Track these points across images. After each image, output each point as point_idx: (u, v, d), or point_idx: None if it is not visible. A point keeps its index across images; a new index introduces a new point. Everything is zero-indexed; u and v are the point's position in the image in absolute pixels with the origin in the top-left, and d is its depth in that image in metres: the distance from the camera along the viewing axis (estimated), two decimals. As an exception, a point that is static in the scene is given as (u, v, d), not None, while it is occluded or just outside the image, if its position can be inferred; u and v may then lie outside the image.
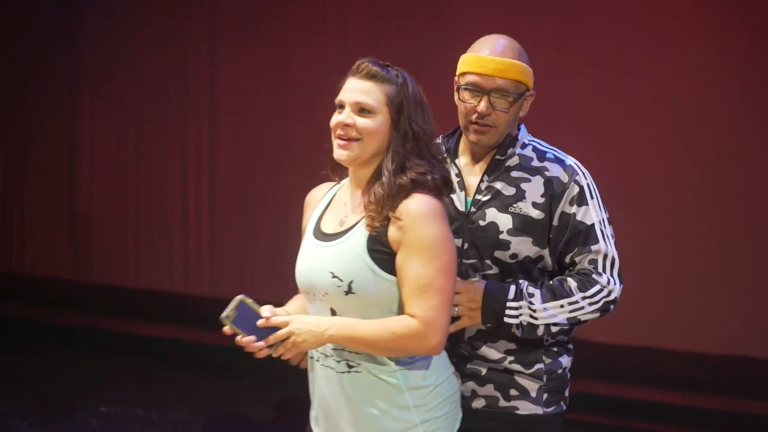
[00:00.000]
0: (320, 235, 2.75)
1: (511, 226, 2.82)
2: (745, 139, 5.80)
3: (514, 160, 2.89)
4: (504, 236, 2.82)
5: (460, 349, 2.86)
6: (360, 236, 2.62)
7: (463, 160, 2.96)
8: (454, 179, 2.89)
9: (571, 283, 2.79)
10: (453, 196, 2.87)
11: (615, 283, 2.83)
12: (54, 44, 8.15)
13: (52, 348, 7.52)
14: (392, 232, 2.58)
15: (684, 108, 5.90)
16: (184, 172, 7.69)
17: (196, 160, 7.64)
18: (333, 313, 2.65)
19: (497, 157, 2.88)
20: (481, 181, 2.88)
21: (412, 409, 2.64)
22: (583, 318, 2.81)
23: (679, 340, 5.98)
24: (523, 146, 2.92)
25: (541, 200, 2.83)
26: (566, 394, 2.97)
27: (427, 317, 2.53)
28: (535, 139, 2.98)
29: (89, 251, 8.17)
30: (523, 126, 2.99)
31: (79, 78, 8.12)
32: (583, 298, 2.78)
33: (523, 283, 2.78)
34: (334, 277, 2.61)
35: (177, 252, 7.75)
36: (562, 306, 2.77)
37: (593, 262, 2.81)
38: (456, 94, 2.90)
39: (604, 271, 2.82)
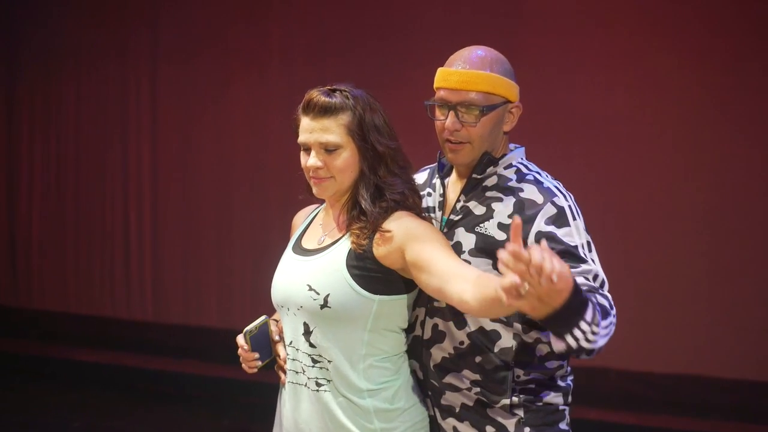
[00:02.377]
0: (300, 250, 2.79)
1: (472, 246, 2.70)
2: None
3: (492, 180, 2.76)
4: (465, 256, 2.69)
5: (430, 378, 2.77)
6: (340, 252, 2.66)
7: (451, 178, 2.87)
8: (437, 199, 2.84)
9: (602, 299, 2.47)
10: (432, 215, 2.83)
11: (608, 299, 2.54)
12: (-9, 66, 8.06)
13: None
14: (381, 248, 2.61)
15: (680, 129, 5.94)
16: (125, 196, 7.62)
17: (137, 184, 7.58)
18: (306, 328, 2.67)
19: (474, 176, 2.76)
20: (458, 200, 2.78)
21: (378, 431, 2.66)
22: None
23: (631, 360, 5.98)
24: (508, 167, 2.78)
25: (507, 221, 2.66)
26: (563, 426, 2.79)
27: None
28: (527, 162, 2.84)
29: (29, 277, 8.07)
30: (520, 149, 2.86)
31: (18, 101, 8.04)
32: (614, 315, 2.47)
33: (595, 299, 2.40)
34: (310, 289, 2.64)
35: (119, 277, 7.67)
36: (605, 327, 2.41)
37: (587, 280, 2.54)
38: (428, 112, 2.80)
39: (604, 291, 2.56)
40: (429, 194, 2.89)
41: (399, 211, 2.65)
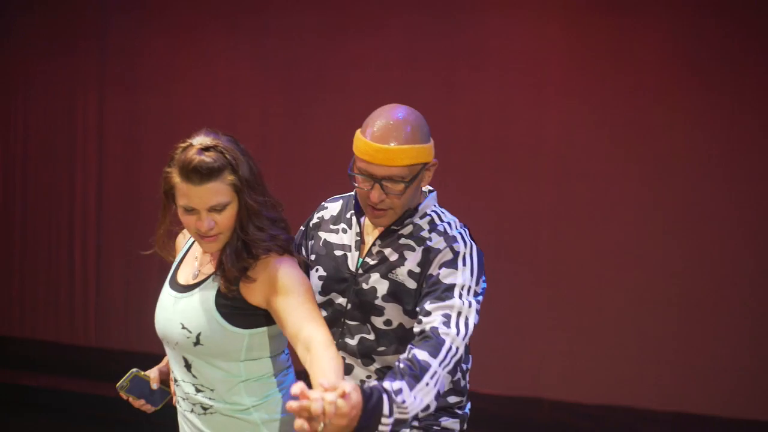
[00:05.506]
0: (175, 285, 2.81)
1: (386, 292, 2.77)
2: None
3: (407, 229, 2.82)
4: (379, 301, 2.78)
5: None
6: (210, 291, 2.69)
7: (367, 218, 2.90)
8: (354, 238, 2.89)
9: (422, 353, 2.54)
10: (348, 254, 2.88)
11: (464, 336, 2.62)
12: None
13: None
14: (248, 292, 2.65)
15: (609, 163, 6.00)
16: (70, 221, 7.59)
17: (83, 208, 7.54)
18: (186, 361, 2.73)
19: (392, 227, 2.83)
20: (374, 244, 2.84)
21: None
22: (442, 388, 2.58)
23: (564, 390, 6.08)
24: (423, 216, 2.84)
25: (417, 269, 2.75)
26: None
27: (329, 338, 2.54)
28: (439, 209, 2.90)
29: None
30: (432, 194, 2.92)
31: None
32: (439, 364, 2.54)
33: (389, 386, 2.44)
34: (183, 328, 2.68)
35: (62, 302, 7.63)
36: (427, 384, 2.50)
37: (447, 316, 2.62)
38: (350, 179, 2.80)
39: (456, 325, 2.61)
40: (344, 230, 2.93)
41: (267, 257, 2.65)
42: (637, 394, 5.94)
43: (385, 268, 2.80)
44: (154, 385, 2.89)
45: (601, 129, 5.99)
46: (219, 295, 2.67)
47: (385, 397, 2.40)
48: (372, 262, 2.83)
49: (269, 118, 6.80)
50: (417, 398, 2.48)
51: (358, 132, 2.78)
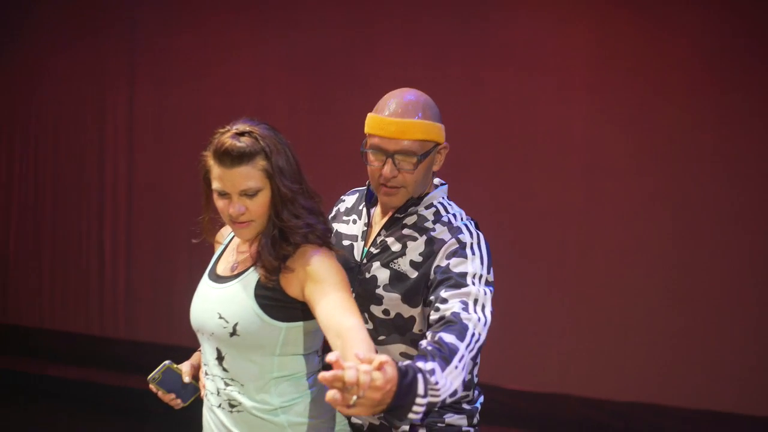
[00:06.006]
0: (214, 276, 2.82)
1: (386, 282, 2.78)
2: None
3: (411, 219, 2.84)
4: (379, 291, 2.79)
5: None
6: (249, 282, 2.69)
7: (377, 209, 2.94)
8: (362, 229, 2.91)
9: (449, 336, 2.49)
10: (354, 244, 2.91)
11: (486, 322, 2.58)
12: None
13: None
14: (287, 281, 2.64)
15: (639, 161, 5.96)
16: (101, 215, 7.64)
17: (113, 203, 7.60)
18: (219, 353, 2.72)
19: (396, 215, 2.85)
20: (378, 234, 2.86)
21: None
22: (466, 375, 2.50)
23: (591, 387, 6.06)
24: (429, 207, 2.86)
25: (418, 259, 2.76)
26: None
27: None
28: (446, 202, 2.90)
29: (4, 292, 8.06)
30: (443, 187, 2.94)
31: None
32: (466, 347, 2.49)
33: (422, 365, 2.36)
34: (220, 318, 2.67)
35: (93, 294, 7.68)
36: (456, 367, 2.44)
37: (464, 303, 2.58)
38: (362, 157, 2.83)
39: (475, 312, 2.57)
40: (354, 221, 2.97)
41: (305, 246, 2.66)
42: (665, 391, 5.91)
43: (387, 257, 2.81)
44: (186, 379, 2.88)
45: (627, 126, 5.96)
46: (259, 285, 2.66)
47: (420, 376, 2.29)
48: (375, 251, 2.84)
49: (296, 113, 6.82)
50: (448, 381, 2.40)
51: (369, 114, 2.81)
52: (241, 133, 2.64)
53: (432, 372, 2.35)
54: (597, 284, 6.03)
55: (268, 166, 2.63)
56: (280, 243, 2.66)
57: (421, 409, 2.29)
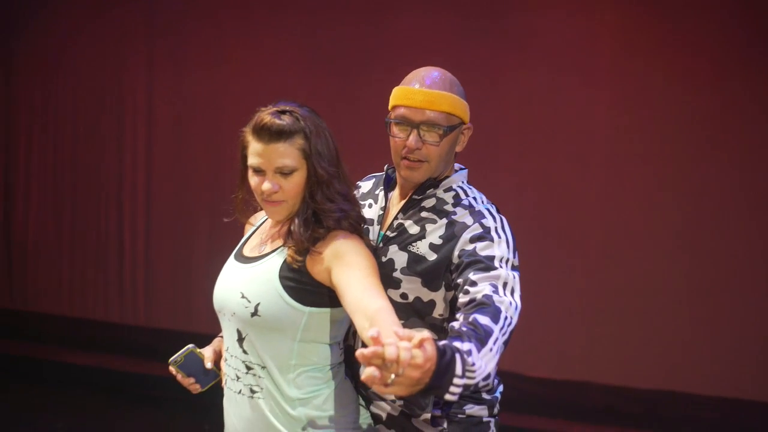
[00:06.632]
0: (240, 257, 2.82)
1: (404, 265, 2.74)
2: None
3: (430, 201, 2.80)
4: (397, 274, 2.74)
5: (359, 387, 2.83)
6: (275, 262, 2.68)
7: (394, 193, 2.91)
8: (377, 213, 2.88)
9: (483, 318, 2.44)
10: (370, 228, 2.87)
11: (517, 307, 2.53)
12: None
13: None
14: (313, 265, 2.63)
15: (661, 147, 5.94)
16: (119, 201, 7.64)
17: (132, 190, 7.59)
18: (239, 334, 2.70)
19: (414, 196, 2.81)
20: (395, 218, 2.83)
21: None
22: (498, 359, 2.44)
23: (614, 374, 6.02)
24: (448, 190, 2.83)
25: (438, 242, 2.71)
26: None
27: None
28: (466, 186, 2.87)
29: (24, 279, 8.08)
30: (463, 171, 2.91)
31: (14, 105, 8.04)
32: (500, 330, 2.44)
33: (460, 345, 2.30)
34: (243, 297, 2.66)
35: (112, 281, 7.69)
36: (490, 350, 2.39)
37: (494, 286, 2.53)
38: (387, 128, 2.80)
39: (506, 295, 2.53)
40: (369, 205, 2.94)
41: (335, 231, 2.65)
42: (689, 378, 5.89)
43: (405, 240, 2.77)
44: (209, 364, 2.85)
45: (651, 112, 5.93)
46: (284, 267, 2.65)
47: (458, 356, 2.24)
48: (391, 235, 2.80)
49: (317, 98, 6.78)
50: (483, 363, 2.34)
51: (395, 87, 2.81)
52: (283, 111, 2.65)
53: (469, 353, 2.29)
54: (619, 271, 6.01)
55: (306, 146, 2.64)
56: (313, 225, 2.65)
57: (458, 390, 2.25)
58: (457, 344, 2.28)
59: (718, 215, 5.82)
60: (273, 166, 2.63)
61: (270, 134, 2.62)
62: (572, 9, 6.09)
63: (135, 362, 7.23)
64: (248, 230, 2.97)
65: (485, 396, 2.84)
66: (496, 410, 2.88)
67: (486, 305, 2.47)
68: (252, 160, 2.67)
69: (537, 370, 6.09)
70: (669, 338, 5.89)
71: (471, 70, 6.13)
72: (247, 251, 2.81)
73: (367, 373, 1.99)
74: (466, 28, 6.31)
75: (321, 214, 2.65)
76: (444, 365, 2.18)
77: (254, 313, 2.63)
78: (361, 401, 2.83)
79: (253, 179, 2.70)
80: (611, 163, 6.03)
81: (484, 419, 2.84)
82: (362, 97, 6.52)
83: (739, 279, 5.77)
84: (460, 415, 2.79)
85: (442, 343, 2.25)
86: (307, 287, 2.63)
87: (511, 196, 5.89)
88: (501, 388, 2.93)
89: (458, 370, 2.23)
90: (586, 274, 6.07)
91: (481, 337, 2.38)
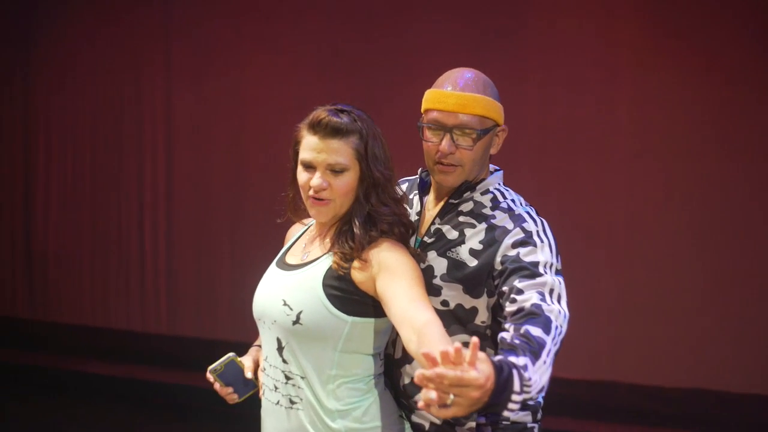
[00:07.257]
0: (283, 265, 2.77)
1: (444, 271, 2.67)
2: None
3: (467, 205, 2.74)
4: (437, 281, 2.67)
5: (399, 397, 2.78)
6: (319, 270, 2.63)
7: (429, 197, 2.85)
8: (413, 218, 2.82)
9: (535, 329, 2.39)
10: None
11: (565, 315, 2.49)
12: (6, 78, 8.10)
13: (4, 387, 7.39)
14: (359, 273, 2.59)
15: (682, 143, 5.92)
16: (140, 209, 7.65)
17: (153, 197, 7.59)
18: (279, 343, 2.66)
19: (450, 200, 2.75)
20: (432, 223, 2.76)
21: None
22: (552, 368, 2.40)
23: (642, 374, 5.98)
24: (485, 192, 2.76)
25: (479, 247, 2.65)
26: None
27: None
28: (503, 188, 2.81)
29: (45, 290, 8.10)
30: (498, 173, 2.85)
31: (33, 113, 8.07)
32: (552, 341, 2.40)
33: (515, 360, 2.27)
34: (285, 304, 2.62)
35: (134, 290, 7.69)
36: (544, 362, 2.35)
37: (541, 293, 2.48)
38: (419, 132, 2.74)
39: (554, 303, 2.48)
40: None
41: (382, 239, 2.62)
42: (717, 377, 5.85)
43: (443, 246, 2.70)
44: (249, 374, 2.81)
45: (674, 108, 5.90)
46: (328, 275, 2.61)
47: (515, 372, 2.22)
48: (429, 241, 2.74)
49: (338, 102, 6.76)
50: (538, 376, 2.31)
51: (428, 90, 2.75)
52: (341, 110, 2.64)
53: (525, 368, 2.26)
54: (646, 269, 5.98)
55: (361, 147, 2.61)
56: (367, 227, 2.62)
57: (516, 407, 2.22)
58: (512, 359, 2.26)
59: (744, 211, 5.79)
60: (325, 162, 2.61)
61: (326, 130, 2.61)
62: (591, 8, 6.07)
63: (158, 371, 7.22)
64: (288, 240, 2.92)
65: (529, 402, 2.78)
66: (539, 416, 2.83)
67: (536, 315, 2.42)
68: (304, 155, 2.65)
69: (564, 370, 6.01)
70: (697, 336, 5.86)
71: (493, 65, 6.09)
72: (290, 259, 2.77)
73: (424, 396, 1.99)
74: (487, 29, 6.29)
75: (375, 216, 2.64)
76: (502, 382, 2.16)
77: (296, 321, 2.59)
78: (402, 412, 2.78)
79: (302, 175, 2.66)
80: (635, 159, 6.00)
81: (529, 425, 2.79)
82: (383, 102, 6.49)
83: (767, 275, 5.72)
84: (504, 422, 2.73)
85: (497, 358, 2.22)
86: (350, 296, 2.60)
87: (533, 196, 5.84)
88: (543, 393, 2.89)
89: (516, 386, 2.21)
90: (612, 271, 6.04)
91: (534, 350, 2.34)
